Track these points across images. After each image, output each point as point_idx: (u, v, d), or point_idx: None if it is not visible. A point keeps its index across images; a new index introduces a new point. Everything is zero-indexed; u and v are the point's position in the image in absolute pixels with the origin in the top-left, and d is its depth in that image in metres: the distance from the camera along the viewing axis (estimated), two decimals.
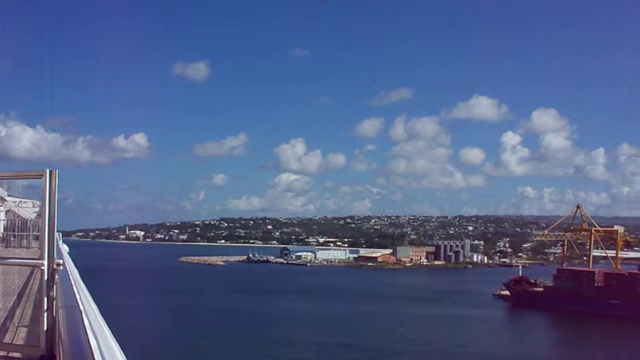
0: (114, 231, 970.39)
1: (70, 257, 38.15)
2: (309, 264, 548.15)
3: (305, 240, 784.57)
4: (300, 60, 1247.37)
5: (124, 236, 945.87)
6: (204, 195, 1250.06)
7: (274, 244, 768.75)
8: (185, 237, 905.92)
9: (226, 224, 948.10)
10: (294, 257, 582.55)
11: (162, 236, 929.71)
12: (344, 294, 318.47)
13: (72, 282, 18.63)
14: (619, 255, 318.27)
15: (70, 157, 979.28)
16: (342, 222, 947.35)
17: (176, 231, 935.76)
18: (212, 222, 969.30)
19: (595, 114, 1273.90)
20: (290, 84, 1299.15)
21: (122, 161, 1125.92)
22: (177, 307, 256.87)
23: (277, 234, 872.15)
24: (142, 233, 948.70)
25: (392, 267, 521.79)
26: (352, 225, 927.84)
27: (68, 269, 23.34)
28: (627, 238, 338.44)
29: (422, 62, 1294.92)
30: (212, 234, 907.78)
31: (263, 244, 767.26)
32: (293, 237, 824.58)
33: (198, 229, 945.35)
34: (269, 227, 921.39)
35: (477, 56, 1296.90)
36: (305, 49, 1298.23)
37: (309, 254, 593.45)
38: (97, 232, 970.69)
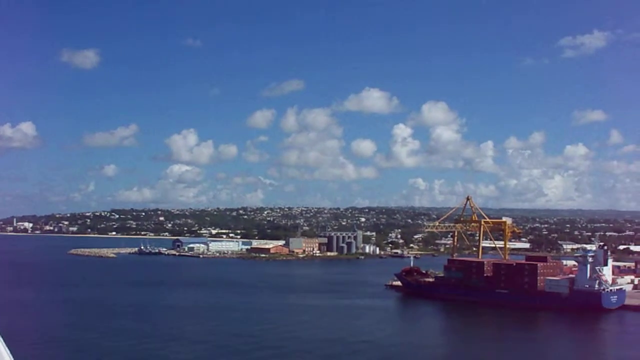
0: (1, 223, 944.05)
1: None
2: (201, 256, 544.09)
3: (198, 232, 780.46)
4: (191, 50, 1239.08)
5: (11, 228, 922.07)
6: (94, 186, 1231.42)
7: (166, 235, 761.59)
8: (75, 228, 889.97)
9: (117, 216, 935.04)
10: (186, 249, 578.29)
11: (52, 228, 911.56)
12: (237, 285, 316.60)
13: None
14: (507, 246, 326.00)
15: None
16: (234, 213, 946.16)
17: (66, 223, 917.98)
18: (102, 214, 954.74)
19: (483, 108, 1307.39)
20: (181, 75, 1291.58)
21: (9, 151, 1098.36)
22: (64, 301, 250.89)
23: (169, 225, 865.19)
24: (31, 225, 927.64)
25: (284, 258, 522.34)
26: (245, 216, 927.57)
27: None
28: (515, 229, 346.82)
29: (314, 54, 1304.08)
30: (102, 225, 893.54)
31: (155, 235, 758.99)
32: (185, 228, 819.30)
33: (88, 220, 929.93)
34: (161, 218, 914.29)
35: (368, 50, 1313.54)
36: (196, 39, 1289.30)
37: (202, 245, 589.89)
38: None
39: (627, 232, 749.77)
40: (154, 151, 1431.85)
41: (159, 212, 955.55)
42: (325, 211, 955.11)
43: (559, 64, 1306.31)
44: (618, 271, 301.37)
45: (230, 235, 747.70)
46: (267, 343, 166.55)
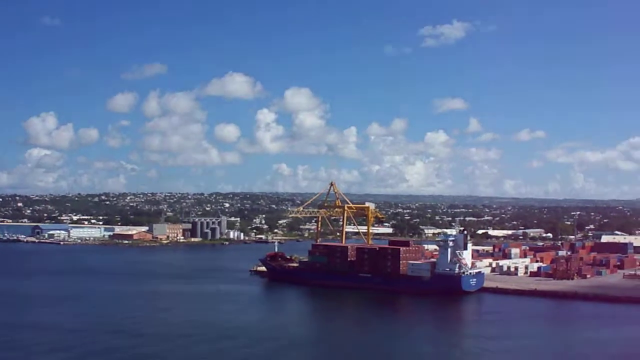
0: None
1: None
2: (62, 243, 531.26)
3: (58, 218, 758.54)
4: (50, 29, 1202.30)
5: None
6: None
7: (24, 222, 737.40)
8: None
9: None
10: (46, 236, 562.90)
11: None
12: (99, 273, 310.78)
13: None
14: (370, 231, 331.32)
15: None
16: (96, 199, 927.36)
17: None
18: None
19: (347, 94, 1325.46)
20: (38, 55, 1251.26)
21: None
22: None
23: (28, 211, 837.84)
24: None
25: (148, 244, 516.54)
26: (107, 202, 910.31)
27: None
28: (378, 214, 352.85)
29: (176, 37, 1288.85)
30: None
31: (13, 222, 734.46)
32: (45, 215, 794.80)
33: None
34: (19, 204, 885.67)
35: (232, 34, 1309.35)
36: (55, 18, 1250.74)
37: (62, 232, 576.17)
38: None
39: (486, 217, 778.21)
40: (11, 134, 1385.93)
41: (17, 197, 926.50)
42: (189, 197, 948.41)
43: (419, 53, 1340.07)
44: (477, 255, 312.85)
45: (92, 221, 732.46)
46: (130, 329, 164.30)
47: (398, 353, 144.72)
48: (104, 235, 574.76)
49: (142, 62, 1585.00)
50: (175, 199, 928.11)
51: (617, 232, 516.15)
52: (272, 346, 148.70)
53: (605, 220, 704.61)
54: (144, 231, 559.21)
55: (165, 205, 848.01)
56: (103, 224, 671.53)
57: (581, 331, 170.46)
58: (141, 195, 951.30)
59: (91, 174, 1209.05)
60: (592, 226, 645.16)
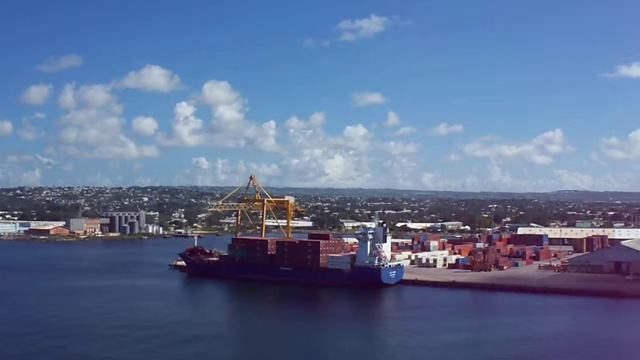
0: None
1: None
2: None
3: None
4: None
5: None
6: None
7: None
8: None
9: None
10: None
11: None
12: (15, 269, 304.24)
13: None
14: (290, 225, 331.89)
15: None
16: (10, 193, 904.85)
17: None
18: None
19: (265, 87, 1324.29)
20: None
21: None
22: None
23: None
24: None
25: (65, 239, 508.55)
26: (22, 197, 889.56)
27: None
28: (297, 208, 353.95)
29: (92, 28, 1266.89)
30: None
31: None
32: None
33: None
34: None
35: (149, 26, 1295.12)
36: None
37: None
38: None
39: (405, 210, 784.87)
40: None
41: None
42: (107, 191, 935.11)
43: (338, 47, 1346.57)
44: (396, 248, 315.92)
45: (7, 216, 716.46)
46: (55, 329, 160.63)
47: (322, 348, 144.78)
48: (19, 231, 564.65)
49: (57, 54, 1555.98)
50: (92, 193, 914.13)
51: (532, 224, 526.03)
52: (199, 344, 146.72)
53: (521, 213, 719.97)
54: (60, 226, 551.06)
55: (83, 200, 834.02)
56: (18, 219, 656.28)
57: (505, 324, 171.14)
58: (57, 190, 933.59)
59: (5, 168, 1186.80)
60: (508, 219, 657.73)
